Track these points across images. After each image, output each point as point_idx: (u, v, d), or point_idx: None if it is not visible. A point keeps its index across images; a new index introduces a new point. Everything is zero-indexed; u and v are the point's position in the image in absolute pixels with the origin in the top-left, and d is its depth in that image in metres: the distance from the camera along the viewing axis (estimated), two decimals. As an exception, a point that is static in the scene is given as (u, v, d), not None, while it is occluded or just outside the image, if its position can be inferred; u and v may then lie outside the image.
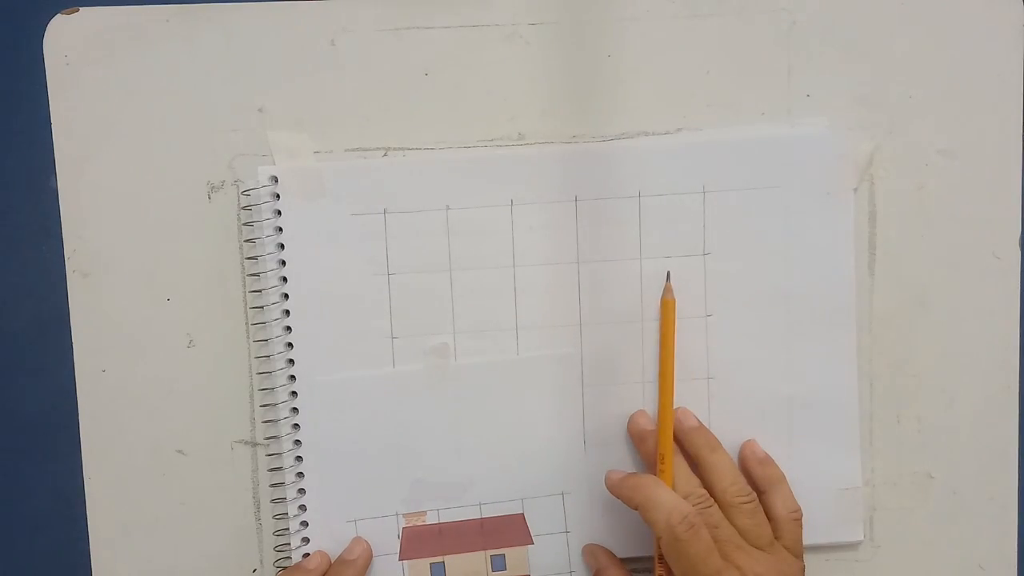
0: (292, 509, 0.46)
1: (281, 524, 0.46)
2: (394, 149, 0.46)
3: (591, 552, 0.47)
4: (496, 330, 0.46)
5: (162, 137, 0.45)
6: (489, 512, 0.46)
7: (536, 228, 0.45)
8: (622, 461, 0.46)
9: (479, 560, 0.46)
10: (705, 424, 0.46)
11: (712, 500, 0.43)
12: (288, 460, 0.46)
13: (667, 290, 0.45)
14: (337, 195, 0.45)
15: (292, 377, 0.45)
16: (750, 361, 0.46)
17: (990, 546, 0.48)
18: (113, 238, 0.45)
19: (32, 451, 0.46)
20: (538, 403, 0.46)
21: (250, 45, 0.45)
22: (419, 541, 0.46)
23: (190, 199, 0.45)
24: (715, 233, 0.46)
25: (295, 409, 0.46)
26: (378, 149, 0.46)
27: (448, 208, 0.45)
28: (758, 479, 0.45)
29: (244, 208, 0.45)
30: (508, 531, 0.46)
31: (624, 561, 0.46)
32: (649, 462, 0.45)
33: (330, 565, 0.45)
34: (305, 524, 0.46)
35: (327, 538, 0.46)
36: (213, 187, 0.45)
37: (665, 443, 0.44)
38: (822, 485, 0.46)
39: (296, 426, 0.46)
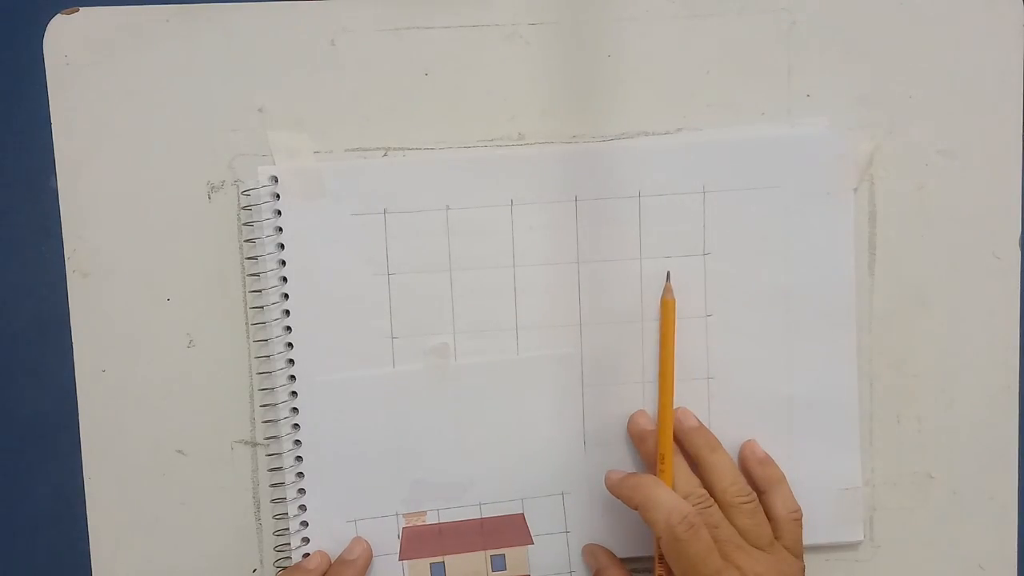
0: (292, 509, 0.46)
1: (281, 524, 0.46)
2: (394, 149, 0.46)
3: (591, 552, 0.47)
4: (496, 330, 0.46)
5: (162, 137, 0.45)
6: (489, 512, 0.46)
7: (536, 228, 0.45)
8: (622, 461, 0.46)
9: (479, 560, 0.46)
10: (705, 424, 0.46)
11: (712, 500, 0.43)
12: (288, 460, 0.46)
13: (667, 290, 0.45)
14: (337, 195, 0.45)
15: (292, 377, 0.45)
16: (750, 361, 0.46)
17: (990, 546, 0.48)
18: (113, 238, 0.45)
19: (32, 451, 0.46)
20: (538, 403, 0.46)
21: (250, 45, 0.45)
22: (419, 541, 0.46)
23: (190, 199, 0.45)
24: (715, 233, 0.46)
25: (295, 409, 0.46)
26: (378, 149, 0.46)
27: (448, 208, 0.45)
28: (758, 479, 0.45)
29: (244, 208, 0.45)
30: (508, 531, 0.46)
31: (624, 561, 0.46)
32: (649, 462, 0.45)
33: (330, 565, 0.45)
34: (305, 524, 0.46)
35: (327, 538, 0.46)
36: (213, 187, 0.45)
37: (665, 443, 0.44)
38: (822, 485, 0.47)
39: (296, 426, 0.46)
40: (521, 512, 0.46)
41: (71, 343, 0.45)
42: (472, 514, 0.46)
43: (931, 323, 0.47)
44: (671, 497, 0.41)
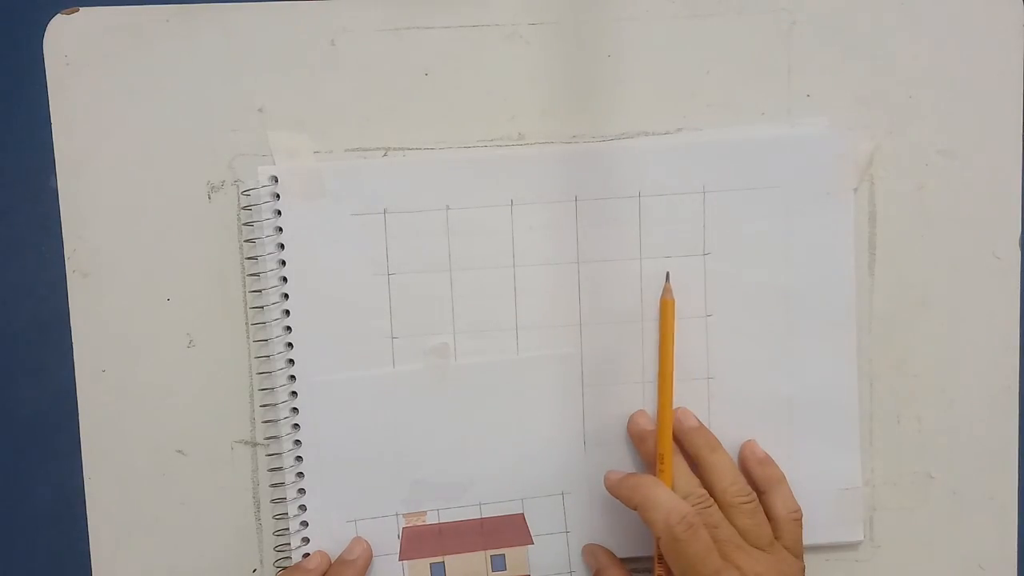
0: (292, 509, 0.46)
1: (281, 524, 0.46)
2: (394, 149, 0.46)
3: (591, 552, 0.47)
4: (496, 330, 0.46)
5: (162, 137, 0.45)
6: (489, 512, 0.46)
7: (536, 228, 0.45)
8: (622, 461, 0.46)
9: (479, 560, 0.46)
10: (705, 424, 0.46)
11: (712, 500, 0.43)
12: (288, 460, 0.46)
13: (666, 290, 0.45)
14: (337, 195, 0.45)
15: (292, 377, 0.45)
16: (750, 361, 0.46)
17: (990, 546, 0.48)
18: (113, 238, 0.45)
19: (32, 451, 0.46)
20: (538, 403, 0.46)
21: (250, 45, 0.45)
22: (419, 541, 0.46)
23: (190, 199, 0.45)
24: (715, 233, 0.46)
25: (295, 409, 0.46)
26: (378, 149, 0.46)
27: (448, 208, 0.45)
28: (758, 479, 0.45)
29: (244, 208, 0.45)
30: (508, 531, 0.46)
31: (624, 561, 0.46)
32: (649, 462, 0.45)
33: (330, 565, 0.45)
34: (305, 524, 0.46)
35: (327, 538, 0.46)
36: (213, 187, 0.45)
37: (664, 443, 0.44)
38: (822, 485, 0.46)
39: (296, 426, 0.46)
40: (521, 512, 0.46)
41: (71, 343, 0.45)
42: (472, 514, 0.46)
43: (931, 323, 0.47)
44: (670, 497, 0.41)
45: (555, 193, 0.45)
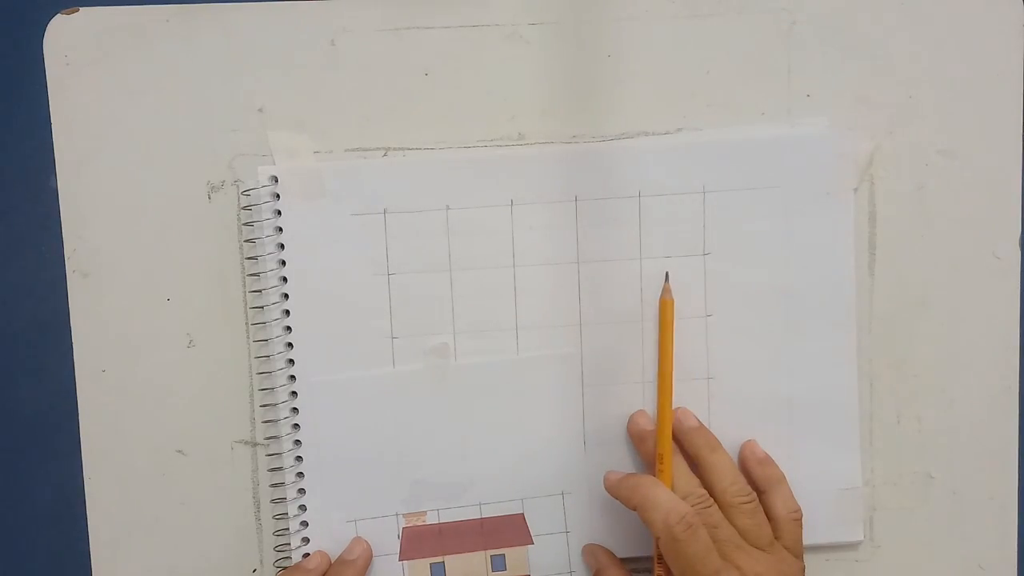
0: (292, 509, 0.46)
1: (281, 524, 0.46)
2: (394, 149, 0.46)
3: (591, 552, 0.47)
4: (496, 330, 0.46)
5: (162, 137, 0.45)
6: (489, 512, 0.46)
7: (536, 228, 0.45)
8: (622, 461, 0.46)
9: (479, 560, 0.46)
10: (705, 424, 0.46)
11: (711, 500, 0.43)
12: (288, 460, 0.46)
13: (665, 291, 0.45)
14: (337, 195, 0.45)
15: (292, 377, 0.45)
16: (750, 361, 0.46)
17: (990, 546, 0.48)
18: (113, 238, 0.45)
19: (32, 451, 0.46)
20: (538, 403, 0.46)
21: (250, 45, 0.45)
22: (419, 541, 0.46)
23: (190, 199, 0.45)
24: (715, 233, 0.46)
25: (295, 409, 0.46)
26: (378, 149, 0.46)
27: (448, 208, 0.45)
28: (758, 479, 0.45)
29: (244, 208, 0.45)
30: (508, 531, 0.46)
31: (624, 561, 0.46)
32: (649, 462, 0.45)
33: (330, 565, 0.45)
34: (305, 524, 0.46)
35: (327, 538, 0.46)
36: (213, 187, 0.45)
37: (664, 443, 0.44)
38: (822, 485, 0.46)
39: (296, 426, 0.46)
40: (521, 512, 0.46)
41: (71, 343, 0.45)
42: (472, 514, 0.46)
43: (931, 323, 0.47)
44: (669, 497, 0.41)
45: (555, 193, 0.45)
